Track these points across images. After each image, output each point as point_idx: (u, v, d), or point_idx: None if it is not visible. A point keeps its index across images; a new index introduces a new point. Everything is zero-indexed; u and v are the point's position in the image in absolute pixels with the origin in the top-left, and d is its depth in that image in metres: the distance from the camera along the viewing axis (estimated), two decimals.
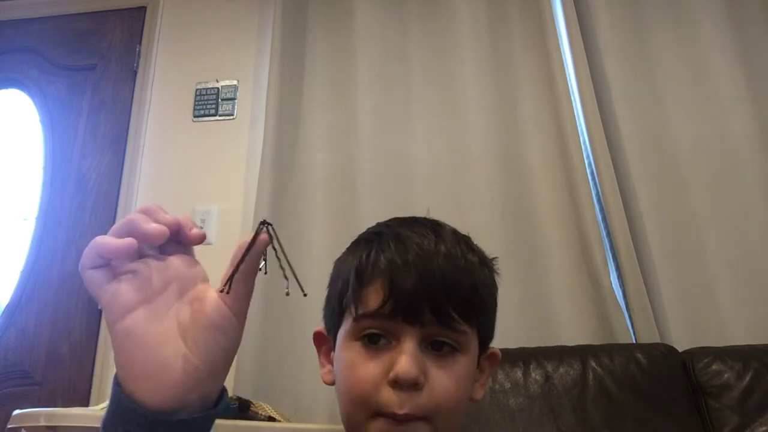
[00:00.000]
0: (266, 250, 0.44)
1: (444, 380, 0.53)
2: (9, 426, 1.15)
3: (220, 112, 2.05)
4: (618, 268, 1.58)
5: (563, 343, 1.46)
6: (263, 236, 0.43)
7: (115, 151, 2.08)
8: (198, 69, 2.12)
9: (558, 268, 1.62)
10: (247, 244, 0.43)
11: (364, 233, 0.62)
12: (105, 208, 2.01)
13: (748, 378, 1.29)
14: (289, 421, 1.32)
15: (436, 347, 0.55)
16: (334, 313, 0.60)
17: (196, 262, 0.45)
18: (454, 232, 0.61)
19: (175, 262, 0.43)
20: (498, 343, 1.65)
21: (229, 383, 1.61)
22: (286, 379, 1.59)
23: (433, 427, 0.53)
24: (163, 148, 2.04)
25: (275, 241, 0.44)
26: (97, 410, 1.23)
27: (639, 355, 1.34)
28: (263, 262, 0.44)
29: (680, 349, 1.40)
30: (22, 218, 2.13)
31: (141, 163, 2.03)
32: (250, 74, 2.07)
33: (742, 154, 1.66)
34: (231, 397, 1.33)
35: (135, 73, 2.17)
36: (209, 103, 2.06)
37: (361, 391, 0.53)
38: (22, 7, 2.36)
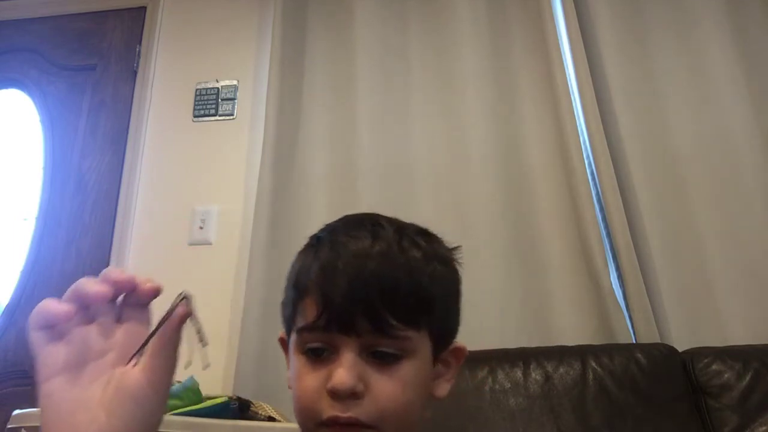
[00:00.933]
0: (189, 322, 0.46)
1: (387, 387, 0.52)
2: (9, 426, 1.15)
3: (220, 112, 2.05)
4: (618, 268, 1.58)
5: (563, 343, 1.46)
6: (180, 309, 0.45)
7: (115, 151, 2.08)
8: (198, 69, 2.12)
9: (558, 268, 1.62)
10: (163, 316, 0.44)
11: (311, 236, 0.60)
12: (105, 208, 2.01)
13: (748, 378, 1.29)
14: (289, 421, 1.32)
15: (377, 356, 0.53)
16: (285, 321, 0.60)
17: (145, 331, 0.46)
18: (399, 228, 0.58)
19: (122, 330, 0.45)
20: (498, 343, 1.65)
21: (229, 383, 1.61)
22: (286, 379, 1.59)
23: None
24: (163, 148, 2.04)
25: (193, 316, 0.46)
26: None
27: (639, 355, 1.34)
28: (199, 333, 0.46)
29: (680, 349, 1.40)
30: (22, 218, 2.13)
31: (141, 163, 2.03)
32: (250, 74, 2.07)
33: (742, 154, 1.66)
34: (231, 397, 1.33)
35: (135, 73, 2.17)
36: (209, 103, 2.06)
37: (305, 402, 0.53)
38: (22, 7, 2.36)
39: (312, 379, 0.53)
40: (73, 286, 0.43)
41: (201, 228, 1.88)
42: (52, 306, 0.42)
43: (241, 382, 1.55)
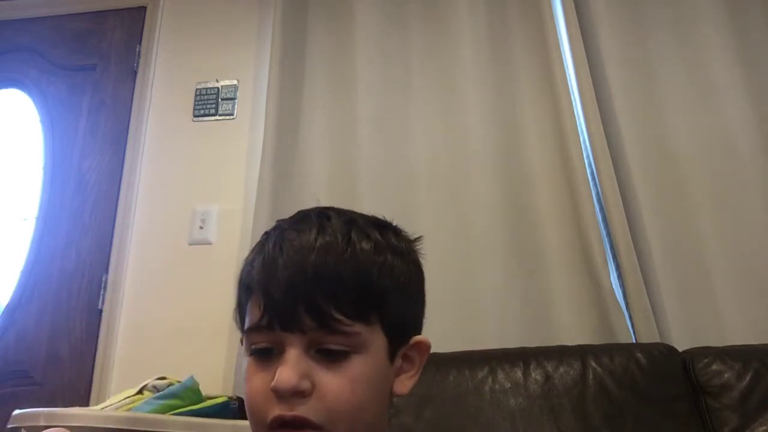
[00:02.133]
0: None
1: (335, 384, 0.49)
2: (9, 426, 1.15)
3: (220, 112, 2.05)
4: (618, 268, 1.58)
5: (563, 343, 1.46)
6: None
7: (115, 151, 2.08)
8: (198, 69, 2.12)
9: (558, 268, 1.62)
10: None
11: (263, 233, 0.59)
12: (105, 208, 2.01)
13: (748, 378, 1.29)
14: None
15: (324, 353, 0.50)
16: (238, 325, 0.58)
17: None
18: (350, 221, 0.56)
19: None
20: (498, 343, 1.65)
21: (229, 383, 1.61)
22: None
23: None
24: (163, 148, 2.05)
25: None
26: (97, 410, 1.23)
27: (639, 355, 1.34)
28: None
29: (680, 349, 1.40)
30: (22, 218, 2.13)
31: (141, 163, 2.03)
32: (250, 74, 2.07)
33: (742, 154, 1.66)
34: (231, 397, 1.33)
35: (135, 73, 2.17)
36: (209, 103, 2.06)
37: (252, 405, 0.51)
38: (22, 7, 2.36)
39: (259, 381, 0.51)
40: None
41: (201, 228, 1.88)
42: None
43: (241, 382, 1.55)
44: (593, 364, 1.34)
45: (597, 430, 1.25)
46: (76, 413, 1.16)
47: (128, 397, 1.26)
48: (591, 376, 1.32)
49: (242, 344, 0.57)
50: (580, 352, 1.37)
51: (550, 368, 1.34)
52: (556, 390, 1.31)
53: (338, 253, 0.52)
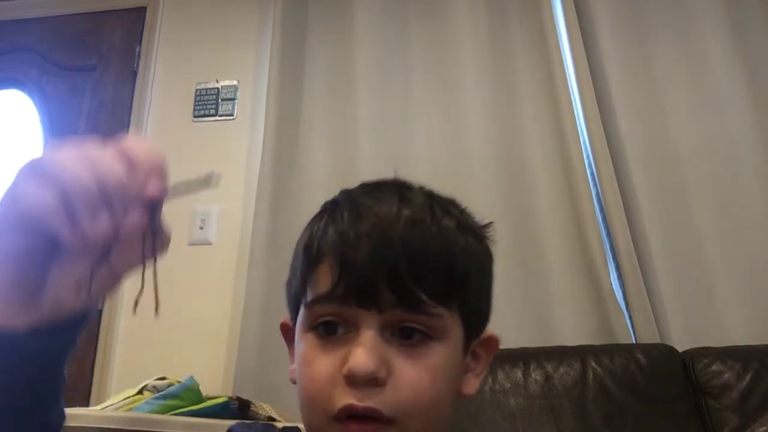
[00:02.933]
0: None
1: (413, 374, 0.44)
2: None
3: (220, 113, 2.05)
4: (618, 268, 1.58)
5: (563, 343, 1.46)
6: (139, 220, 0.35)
7: None
8: (198, 69, 2.12)
9: (558, 268, 1.62)
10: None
11: (325, 202, 0.53)
12: None
13: (748, 378, 1.29)
14: (290, 421, 1.32)
15: (404, 335, 0.45)
16: (291, 299, 0.52)
17: None
18: (429, 194, 0.52)
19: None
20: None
21: (229, 383, 1.61)
22: (286, 379, 1.59)
23: (403, 430, 0.44)
24: (163, 148, 2.02)
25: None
26: (97, 410, 1.23)
27: (639, 356, 1.34)
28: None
29: (680, 349, 1.40)
30: None
31: None
32: (250, 74, 2.07)
33: (742, 155, 1.66)
34: (231, 397, 1.33)
35: (135, 73, 2.17)
36: (209, 103, 2.06)
37: (315, 391, 0.45)
38: (22, 7, 2.36)
39: (324, 363, 0.45)
40: (96, 158, 0.34)
41: (201, 228, 1.88)
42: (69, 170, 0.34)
43: (241, 382, 1.55)
44: (593, 364, 1.34)
45: (597, 430, 1.25)
46: (76, 413, 1.16)
47: (128, 397, 1.26)
48: (591, 377, 1.32)
49: (287, 329, 0.53)
50: (580, 353, 1.37)
51: (550, 368, 1.34)
52: (556, 390, 1.31)
53: (425, 227, 0.47)
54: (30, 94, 2.24)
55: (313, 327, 0.47)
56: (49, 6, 2.34)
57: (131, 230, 0.35)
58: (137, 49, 2.20)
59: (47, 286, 0.37)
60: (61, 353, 0.40)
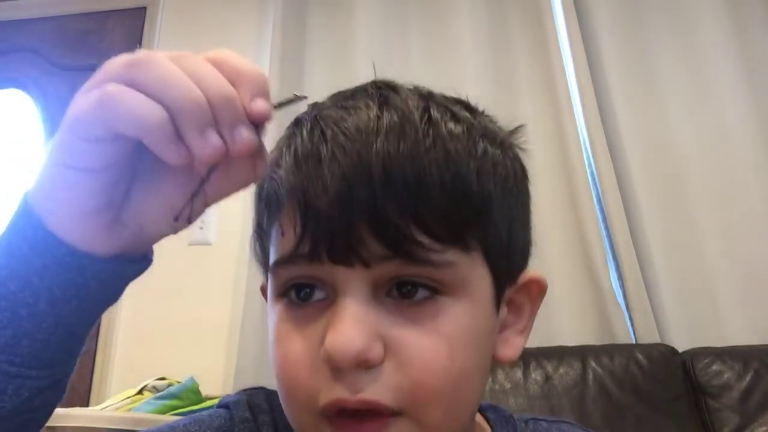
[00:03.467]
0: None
1: (423, 345, 0.33)
2: None
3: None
4: (618, 268, 1.58)
5: (563, 343, 1.46)
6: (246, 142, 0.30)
7: None
8: None
9: (558, 268, 1.62)
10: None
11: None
12: None
13: (748, 378, 1.29)
14: None
15: (404, 292, 0.34)
16: (259, 259, 0.42)
17: None
18: (426, 94, 0.39)
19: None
20: None
21: (229, 383, 1.61)
22: None
23: (419, 423, 0.33)
24: None
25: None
26: (97, 410, 1.23)
27: (639, 356, 1.34)
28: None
29: (680, 350, 1.40)
30: None
31: None
32: None
33: (742, 155, 1.66)
34: None
35: None
36: None
37: (290, 381, 0.35)
38: (22, 7, 2.36)
39: (298, 343, 0.35)
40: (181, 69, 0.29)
41: (201, 228, 1.88)
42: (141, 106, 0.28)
43: (241, 382, 1.55)
44: (593, 364, 1.34)
45: (597, 430, 1.25)
46: (76, 413, 1.16)
47: (128, 397, 1.26)
48: (591, 377, 1.32)
49: (266, 291, 0.40)
50: (580, 353, 1.37)
51: (550, 368, 1.34)
52: (556, 390, 1.31)
53: (417, 137, 0.34)
54: (30, 94, 2.24)
55: (282, 293, 0.37)
56: (49, 6, 2.34)
57: (242, 151, 0.29)
58: (137, 49, 2.20)
59: (131, 210, 0.32)
60: (112, 297, 0.34)
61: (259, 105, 0.31)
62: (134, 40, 2.23)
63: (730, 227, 1.60)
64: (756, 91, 1.72)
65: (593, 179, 1.68)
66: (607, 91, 1.77)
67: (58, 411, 1.19)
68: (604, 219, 1.64)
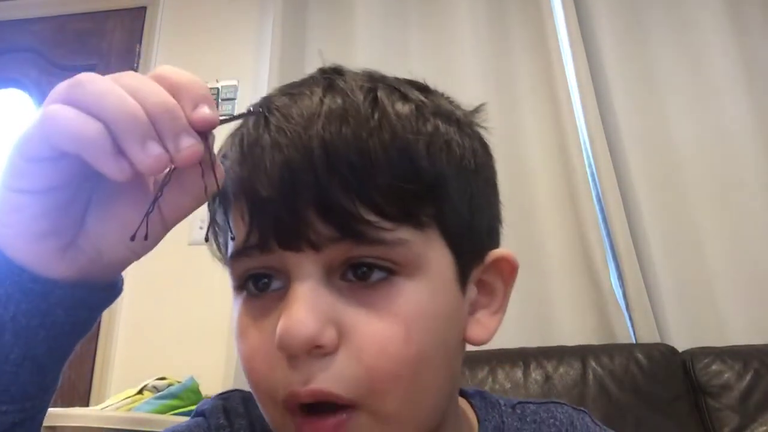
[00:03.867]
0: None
1: (378, 329, 0.32)
2: None
3: (220, 112, 2.04)
4: (618, 268, 1.58)
5: (563, 343, 1.46)
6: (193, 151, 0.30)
7: None
8: (198, 69, 2.10)
9: (558, 268, 1.62)
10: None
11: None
12: None
13: (748, 378, 1.29)
14: None
15: (359, 274, 0.33)
16: (219, 257, 0.43)
17: None
18: (375, 77, 0.38)
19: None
20: (498, 343, 1.64)
21: (229, 383, 1.61)
22: None
23: (376, 414, 0.32)
24: None
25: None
26: (97, 410, 1.23)
27: (639, 355, 1.34)
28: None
29: (680, 349, 1.40)
30: None
31: None
32: (250, 74, 2.07)
33: (742, 155, 1.66)
34: None
35: None
36: None
37: (253, 374, 0.35)
38: (22, 7, 2.36)
39: (256, 335, 0.35)
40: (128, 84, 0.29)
41: (201, 228, 1.88)
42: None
43: (241, 382, 1.54)
44: (593, 364, 1.34)
45: None
46: (76, 413, 1.16)
47: (128, 397, 1.26)
48: (591, 377, 1.32)
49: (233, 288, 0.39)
50: (580, 353, 1.37)
51: (550, 368, 1.34)
52: (556, 390, 1.31)
53: (360, 119, 0.34)
54: (30, 94, 2.24)
55: (240, 286, 0.37)
56: (49, 6, 2.34)
57: (187, 159, 0.29)
58: (137, 49, 2.20)
59: (87, 235, 0.32)
60: (81, 326, 0.33)
61: (202, 112, 0.30)
62: (134, 40, 2.23)
63: (730, 227, 1.60)
64: (756, 91, 1.72)
65: (593, 179, 1.68)
66: (607, 91, 1.77)
67: (58, 411, 1.19)
68: (604, 219, 1.64)
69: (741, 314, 1.52)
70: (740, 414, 1.26)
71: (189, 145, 0.29)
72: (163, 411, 1.21)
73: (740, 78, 1.73)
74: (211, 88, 2.08)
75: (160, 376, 1.34)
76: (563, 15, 1.84)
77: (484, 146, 0.43)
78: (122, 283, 0.36)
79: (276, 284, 0.35)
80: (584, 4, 1.88)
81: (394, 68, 1.65)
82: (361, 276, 0.33)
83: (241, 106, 2.04)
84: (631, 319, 1.53)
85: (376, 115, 0.34)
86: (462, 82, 1.84)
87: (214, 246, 0.42)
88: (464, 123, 0.41)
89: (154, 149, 0.28)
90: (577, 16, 1.83)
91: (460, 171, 0.37)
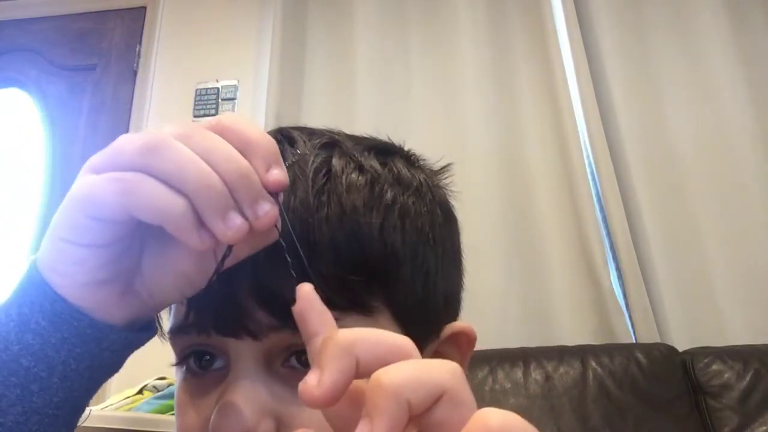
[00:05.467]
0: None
1: (319, 419, 0.27)
2: None
3: (220, 112, 2.05)
4: (618, 268, 1.58)
5: (563, 343, 1.46)
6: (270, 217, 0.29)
7: None
8: (198, 69, 2.12)
9: (558, 268, 1.62)
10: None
11: None
12: None
13: (748, 378, 1.29)
14: None
15: (303, 361, 0.32)
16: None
17: None
18: (329, 143, 0.37)
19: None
20: (498, 343, 1.64)
21: None
22: None
23: None
24: None
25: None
26: (98, 410, 1.23)
27: (639, 355, 1.34)
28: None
29: (680, 349, 1.40)
30: (23, 218, 2.13)
31: None
32: (250, 74, 2.07)
33: (742, 154, 1.66)
34: None
35: (135, 73, 2.17)
36: (209, 103, 2.06)
37: None
38: (22, 7, 2.36)
39: (193, 415, 0.34)
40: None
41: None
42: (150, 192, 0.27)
43: None
44: (593, 364, 1.34)
45: (597, 430, 1.25)
46: None
47: (128, 397, 1.26)
48: (591, 376, 1.32)
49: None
50: (580, 352, 1.37)
51: (550, 368, 1.34)
52: (556, 390, 1.31)
53: (307, 194, 0.33)
54: (30, 94, 2.24)
55: (181, 361, 0.37)
56: (49, 6, 2.34)
57: (265, 227, 0.28)
58: (137, 49, 2.20)
59: (142, 276, 0.31)
60: (118, 366, 0.33)
61: (276, 174, 0.29)
62: (134, 40, 2.23)
63: (730, 227, 1.60)
64: (756, 91, 1.72)
65: (593, 179, 1.68)
66: (607, 91, 1.77)
67: None
68: (604, 219, 1.64)
69: (741, 314, 1.52)
70: (740, 414, 1.26)
71: (266, 211, 0.28)
72: (163, 411, 1.21)
73: (740, 78, 1.73)
74: (211, 88, 2.08)
75: (160, 376, 1.34)
76: (563, 15, 1.84)
77: (446, 212, 0.41)
78: (156, 322, 0.35)
79: (218, 363, 0.35)
80: (584, 4, 1.88)
81: (394, 68, 1.65)
82: (305, 363, 0.32)
83: (241, 106, 2.04)
84: (631, 318, 1.53)
85: (325, 189, 0.33)
86: (462, 83, 1.84)
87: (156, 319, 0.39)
88: (424, 190, 0.39)
89: (235, 220, 0.28)
90: (578, 16, 1.83)
91: (417, 246, 0.36)
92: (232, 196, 0.28)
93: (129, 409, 1.21)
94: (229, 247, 0.30)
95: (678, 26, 1.83)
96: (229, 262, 0.31)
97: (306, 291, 0.26)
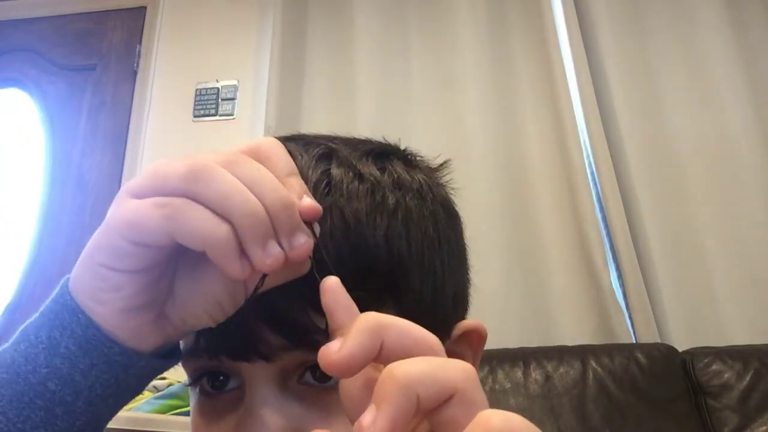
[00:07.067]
0: None
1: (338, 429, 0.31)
2: None
3: (220, 112, 2.05)
4: (618, 268, 1.58)
5: (563, 343, 1.46)
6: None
7: (115, 151, 2.08)
8: (198, 69, 2.12)
9: (558, 269, 1.62)
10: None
11: None
12: (105, 208, 1.99)
13: (748, 378, 1.29)
14: None
15: (318, 376, 0.33)
16: None
17: None
18: (326, 153, 0.36)
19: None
20: (498, 343, 1.64)
21: None
22: None
23: None
24: (163, 148, 2.04)
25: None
26: None
27: (639, 355, 1.34)
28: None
29: (680, 349, 1.40)
30: (22, 218, 2.13)
31: (141, 163, 2.03)
32: (250, 74, 2.07)
33: (742, 154, 1.66)
34: None
35: (135, 73, 2.17)
36: (209, 103, 2.06)
37: None
38: (22, 7, 2.36)
39: None
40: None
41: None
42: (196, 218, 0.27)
43: None
44: (593, 364, 1.34)
45: (597, 430, 1.25)
46: None
47: None
48: (591, 376, 1.32)
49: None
50: (580, 352, 1.37)
51: (550, 368, 1.34)
52: (556, 390, 1.31)
53: None
54: (30, 94, 2.24)
55: (195, 381, 0.37)
56: (49, 6, 2.34)
57: (299, 258, 0.29)
58: (137, 49, 2.20)
59: (174, 302, 0.31)
60: (140, 390, 0.33)
61: (311, 203, 0.29)
62: (134, 40, 2.23)
63: (730, 227, 1.60)
64: (756, 91, 1.72)
65: (593, 179, 1.68)
66: (607, 91, 1.77)
67: None
68: (604, 219, 1.64)
69: (741, 314, 1.52)
70: (740, 414, 1.26)
71: (302, 243, 0.29)
72: (163, 411, 1.21)
73: (740, 78, 1.73)
74: (211, 88, 2.08)
75: (160, 376, 1.34)
76: (563, 15, 1.84)
77: (448, 209, 0.41)
78: (179, 348, 0.35)
79: (233, 383, 0.35)
80: (584, 4, 1.88)
81: (394, 68, 1.65)
82: (320, 378, 0.32)
83: (241, 106, 2.04)
84: (631, 318, 1.53)
85: (327, 201, 0.33)
86: (462, 83, 1.84)
87: None
88: (425, 190, 0.38)
89: (274, 249, 0.28)
90: (578, 17, 1.83)
91: (421, 253, 0.36)
92: (272, 226, 0.28)
93: (129, 409, 1.21)
94: (263, 276, 0.30)
95: (678, 26, 1.83)
96: (256, 291, 0.31)
97: (332, 284, 0.26)
